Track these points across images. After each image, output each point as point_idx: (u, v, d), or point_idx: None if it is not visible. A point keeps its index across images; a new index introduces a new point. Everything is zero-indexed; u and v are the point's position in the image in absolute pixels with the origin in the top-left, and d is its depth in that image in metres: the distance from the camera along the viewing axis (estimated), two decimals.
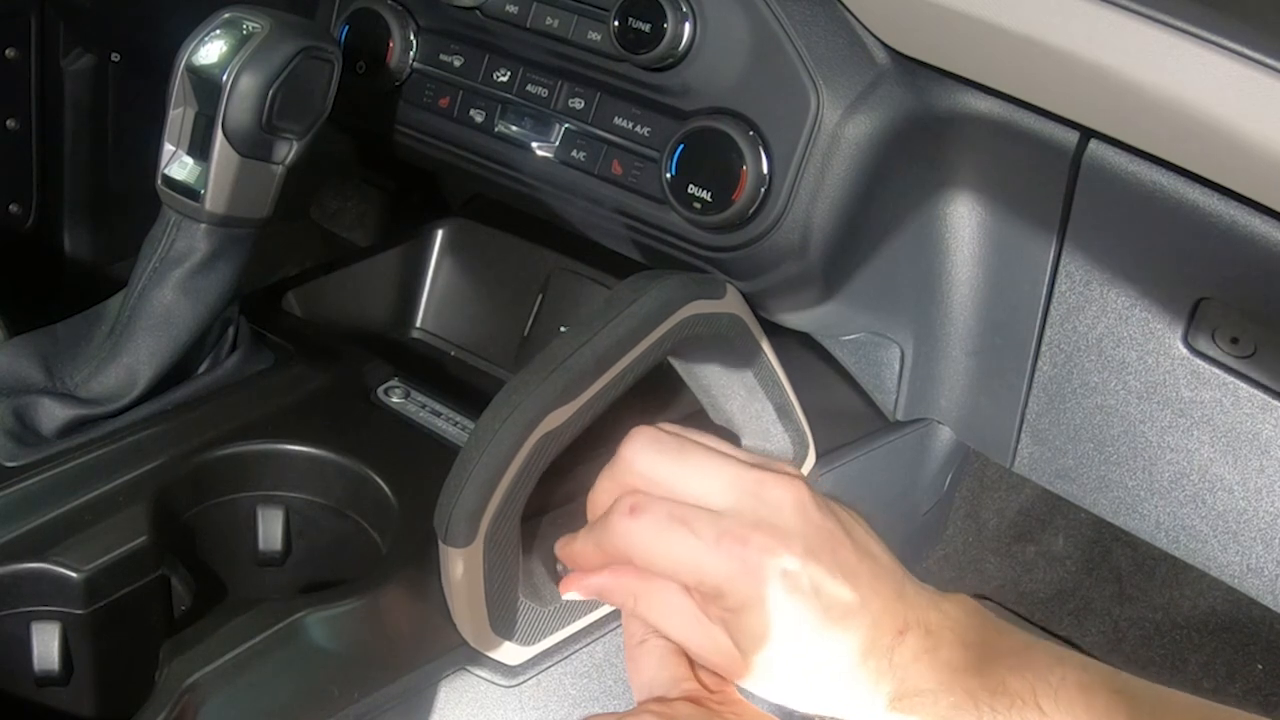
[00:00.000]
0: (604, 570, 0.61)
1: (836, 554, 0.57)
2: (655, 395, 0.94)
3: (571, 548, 0.64)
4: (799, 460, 0.87)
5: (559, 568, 0.67)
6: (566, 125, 0.86)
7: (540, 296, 1.03)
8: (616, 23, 0.78)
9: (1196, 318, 0.75)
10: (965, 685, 0.54)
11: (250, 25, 0.78)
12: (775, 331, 0.84)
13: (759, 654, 0.57)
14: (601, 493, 0.62)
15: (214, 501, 0.81)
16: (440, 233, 1.08)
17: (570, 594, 0.64)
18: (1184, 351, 0.76)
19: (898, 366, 0.93)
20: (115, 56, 1.39)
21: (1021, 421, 0.87)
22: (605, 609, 0.77)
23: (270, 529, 0.83)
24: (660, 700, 0.58)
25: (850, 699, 0.57)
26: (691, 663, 0.61)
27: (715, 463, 0.59)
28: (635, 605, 0.60)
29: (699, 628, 0.59)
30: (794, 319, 0.84)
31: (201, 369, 0.86)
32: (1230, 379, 0.75)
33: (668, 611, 0.59)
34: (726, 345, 0.81)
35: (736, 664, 0.58)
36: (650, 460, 0.60)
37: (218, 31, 0.78)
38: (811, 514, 0.57)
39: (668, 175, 0.79)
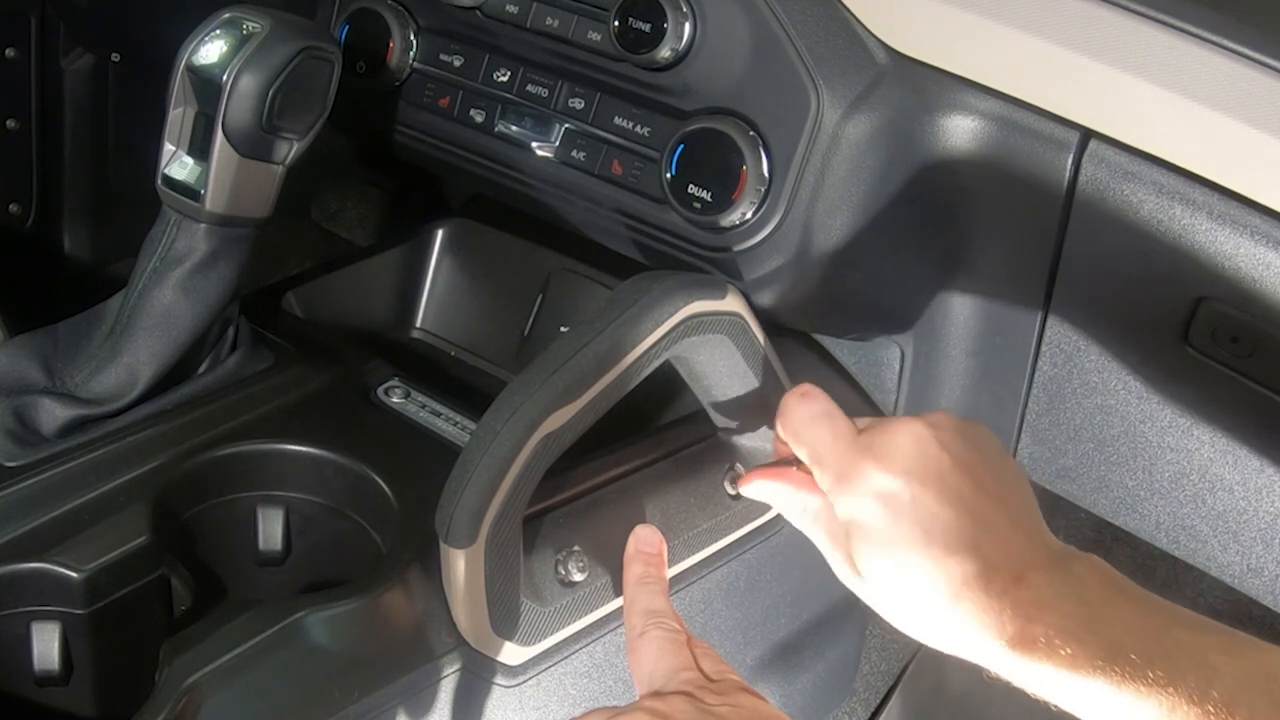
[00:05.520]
0: (787, 473, 0.69)
1: (945, 485, 0.60)
2: (657, 396, 0.94)
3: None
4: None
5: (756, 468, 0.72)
6: (566, 125, 0.86)
7: (540, 296, 1.03)
8: (616, 23, 0.78)
9: (1196, 318, 0.75)
10: (1081, 640, 0.56)
11: (250, 25, 0.78)
12: (775, 331, 0.84)
13: (867, 567, 0.61)
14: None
15: (214, 501, 0.81)
16: (440, 233, 1.08)
17: (746, 486, 0.72)
18: (1184, 351, 0.76)
19: (898, 366, 0.93)
20: (115, 56, 1.39)
21: (1021, 421, 0.87)
22: (604, 609, 0.77)
23: (270, 529, 0.83)
24: (656, 695, 0.58)
25: (961, 632, 0.59)
26: (692, 652, 0.61)
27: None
28: (807, 511, 0.68)
29: (844, 544, 0.63)
30: (795, 319, 0.84)
31: (201, 369, 0.86)
32: (1230, 379, 0.75)
33: (829, 525, 0.65)
34: (728, 346, 0.81)
35: (859, 582, 0.63)
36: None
37: (218, 31, 0.78)
38: (929, 449, 0.61)
39: (668, 175, 0.79)
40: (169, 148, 0.81)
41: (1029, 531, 0.61)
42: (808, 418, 0.64)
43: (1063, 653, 0.55)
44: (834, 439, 0.63)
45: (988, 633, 0.58)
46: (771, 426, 0.86)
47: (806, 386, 0.66)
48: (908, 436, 0.61)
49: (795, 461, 0.68)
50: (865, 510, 0.61)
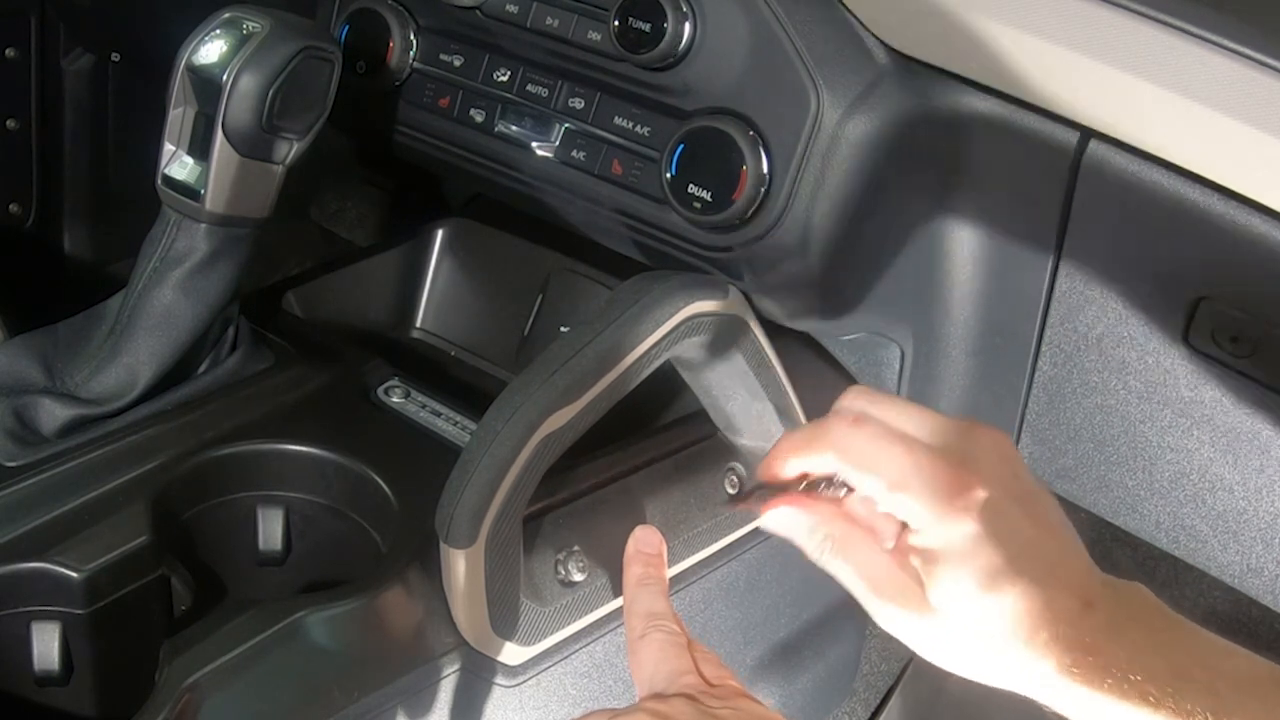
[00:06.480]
0: (809, 500, 0.61)
1: (1034, 505, 0.56)
2: (657, 396, 0.94)
3: (778, 451, 0.61)
4: None
5: (754, 492, 0.64)
6: (566, 125, 0.86)
7: (540, 296, 1.03)
8: (616, 22, 0.78)
9: (1196, 318, 0.75)
10: (1150, 668, 0.54)
11: (250, 25, 0.78)
12: (776, 331, 0.84)
13: (950, 602, 0.56)
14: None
15: (214, 501, 0.81)
16: (440, 233, 1.08)
17: (768, 517, 0.63)
18: (1184, 351, 0.76)
19: (898, 366, 0.93)
20: (115, 56, 1.39)
21: (1021, 421, 0.87)
22: (604, 609, 0.77)
23: (270, 529, 0.83)
24: (657, 697, 0.58)
25: (1034, 666, 0.56)
26: (693, 656, 0.61)
27: (928, 410, 0.59)
28: (831, 545, 0.60)
29: (890, 580, 0.58)
30: (795, 319, 0.84)
31: (201, 369, 0.86)
32: (1230, 379, 0.75)
33: (862, 558, 0.59)
34: (728, 346, 0.81)
35: (924, 621, 0.57)
36: (866, 404, 0.60)
37: (218, 31, 0.78)
38: (1016, 465, 0.57)
39: (668, 175, 0.79)
40: (169, 148, 0.81)
41: (1085, 557, 0.58)
42: (874, 440, 0.57)
43: (1132, 679, 0.53)
44: (916, 458, 0.56)
45: (1052, 663, 0.55)
46: (777, 426, 0.86)
47: (859, 410, 0.58)
48: (994, 450, 0.57)
49: (801, 483, 0.62)
50: (967, 533, 0.54)
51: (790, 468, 0.61)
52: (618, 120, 0.84)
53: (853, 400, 0.60)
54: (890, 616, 0.58)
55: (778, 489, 0.62)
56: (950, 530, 0.55)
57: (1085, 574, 0.57)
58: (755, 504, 0.63)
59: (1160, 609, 0.57)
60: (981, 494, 0.55)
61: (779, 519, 0.62)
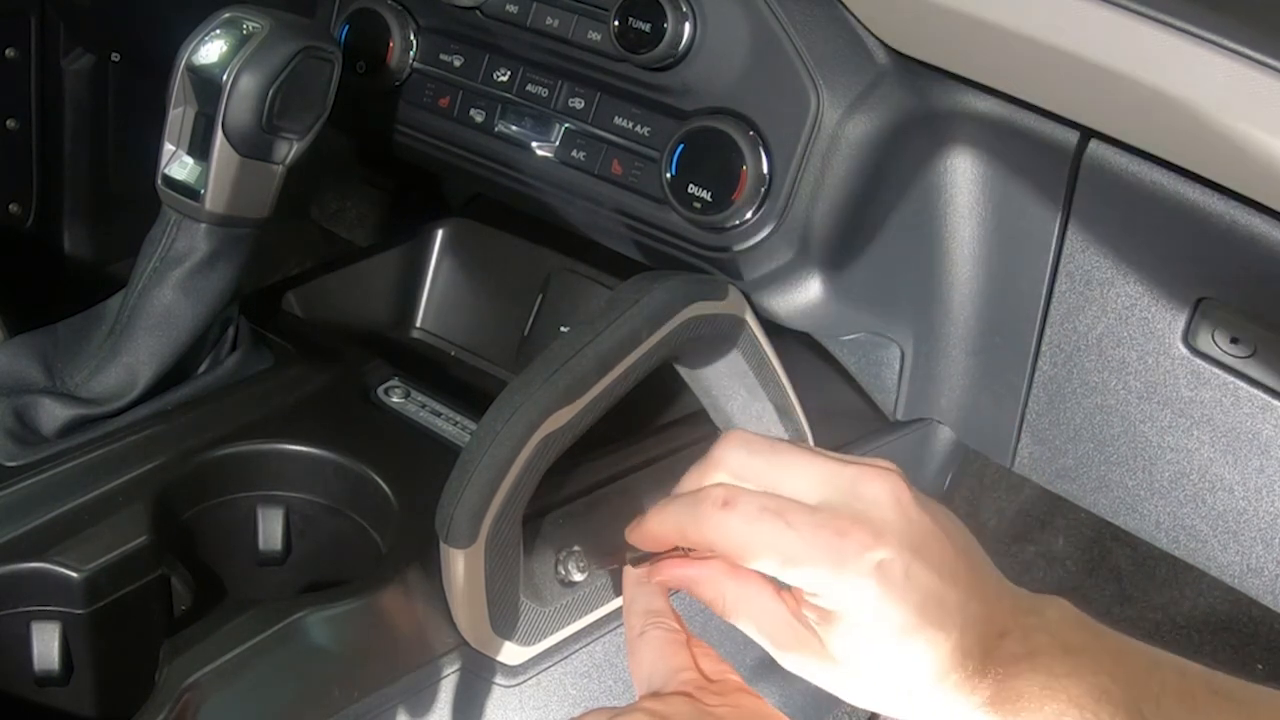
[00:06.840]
0: (696, 562, 0.59)
1: (933, 550, 0.54)
2: (657, 396, 0.94)
3: (648, 529, 0.59)
4: None
5: (629, 555, 0.62)
6: (566, 125, 0.86)
7: (540, 296, 1.03)
8: (616, 23, 0.78)
9: (1196, 318, 0.75)
10: (1068, 691, 0.53)
11: (250, 25, 0.78)
12: (775, 331, 0.84)
13: (854, 657, 0.55)
14: (689, 488, 0.59)
15: (214, 501, 0.81)
16: (440, 233, 1.08)
17: (658, 579, 0.61)
18: (1184, 351, 0.76)
19: (898, 366, 0.93)
20: (115, 56, 1.39)
21: (1021, 421, 0.87)
22: (604, 609, 0.77)
23: (270, 529, 0.83)
24: (656, 696, 0.58)
25: (947, 702, 0.55)
26: (691, 653, 0.61)
27: (808, 459, 0.57)
28: (724, 604, 0.59)
29: (790, 632, 0.57)
30: (794, 319, 0.84)
31: (201, 369, 0.86)
32: (1230, 379, 0.75)
33: (759, 613, 0.58)
34: (728, 346, 0.81)
35: (830, 670, 0.56)
36: (742, 458, 0.58)
37: (218, 31, 0.78)
38: (909, 509, 0.54)
39: (668, 175, 0.79)
40: (169, 148, 0.81)
41: (996, 582, 0.57)
42: (751, 522, 0.54)
43: (1049, 708, 0.53)
44: (799, 532, 0.53)
45: (972, 699, 0.55)
46: (777, 426, 0.86)
47: (720, 492, 0.55)
48: (888, 497, 0.54)
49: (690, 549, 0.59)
50: (862, 595, 0.53)
51: (665, 544, 0.59)
52: (618, 120, 0.84)
53: (725, 466, 0.58)
54: (795, 664, 0.58)
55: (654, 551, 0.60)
56: (847, 595, 0.53)
57: (996, 603, 0.55)
58: (634, 565, 0.61)
59: (1082, 624, 0.55)
60: (877, 554, 0.52)
61: (668, 579, 0.60)
